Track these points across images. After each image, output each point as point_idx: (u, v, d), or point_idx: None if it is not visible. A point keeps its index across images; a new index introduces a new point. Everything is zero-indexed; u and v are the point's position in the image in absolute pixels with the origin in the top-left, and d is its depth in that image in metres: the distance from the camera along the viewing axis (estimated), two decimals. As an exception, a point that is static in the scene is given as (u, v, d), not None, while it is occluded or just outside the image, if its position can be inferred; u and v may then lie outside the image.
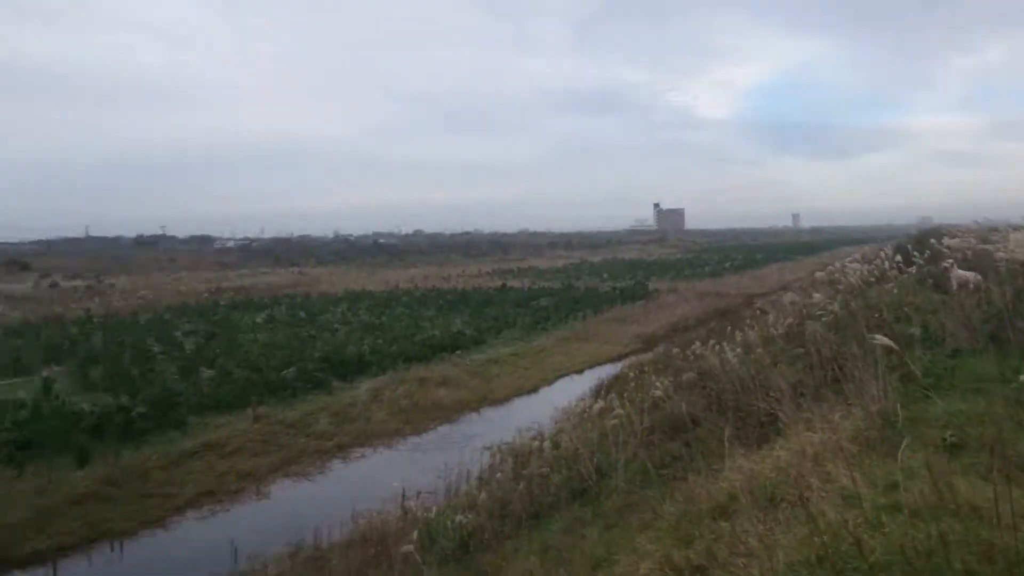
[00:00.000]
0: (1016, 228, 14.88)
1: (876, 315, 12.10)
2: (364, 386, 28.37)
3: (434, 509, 13.37)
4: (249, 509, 18.90)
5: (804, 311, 17.54)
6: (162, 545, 16.88)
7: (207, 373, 28.76)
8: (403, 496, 15.36)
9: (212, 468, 20.40)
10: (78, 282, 75.48)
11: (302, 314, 48.78)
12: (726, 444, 6.73)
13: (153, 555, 16.45)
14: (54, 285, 70.79)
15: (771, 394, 8.44)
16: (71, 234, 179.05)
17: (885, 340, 5.23)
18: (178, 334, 40.10)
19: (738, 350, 14.87)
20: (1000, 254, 12.57)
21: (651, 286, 63.79)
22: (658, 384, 14.63)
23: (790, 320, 17.51)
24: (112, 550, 16.59)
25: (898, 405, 6.32)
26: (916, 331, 10.48)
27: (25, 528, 16.38)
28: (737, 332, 20.93)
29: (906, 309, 12.74)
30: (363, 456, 23.05)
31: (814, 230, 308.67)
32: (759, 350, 14.64)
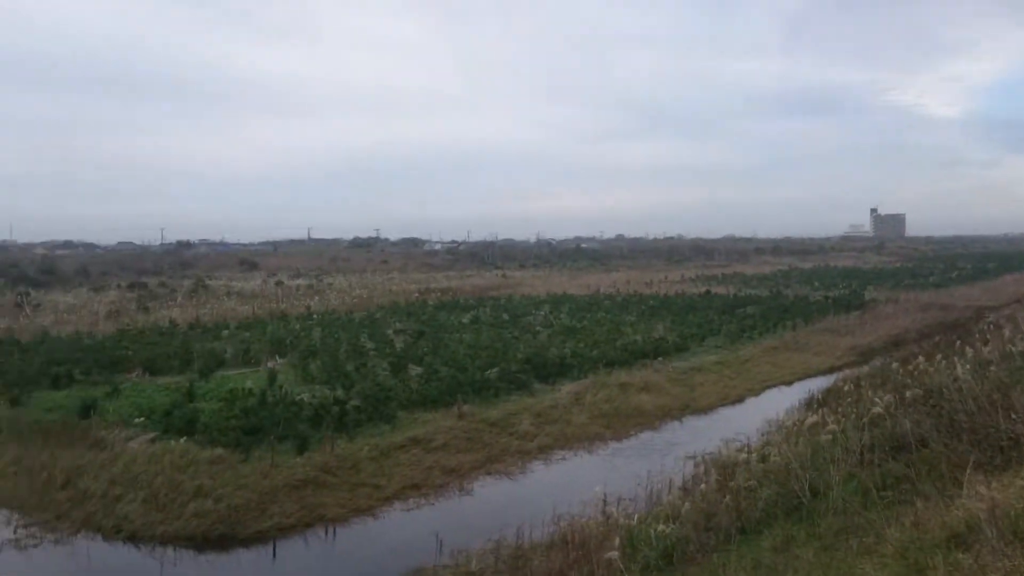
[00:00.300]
0: None
1: None
2: (565, 389, 28.55)
3: (636, 517, 13.18)
4: (452, 504, 19.46)
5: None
6: (371, 533, 17.69)
7: (415, 370, 29.94)
8: (604, 501, 15.28)
9: (419, 462, 21.16)
10: (300, 281, 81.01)
11: (505, 316, 49.82)
12: (965, 469, 6.15)
13: (363, 542, 17.27)
14: (279, 283, 76.25)
15: (1014, 416, 7.68)
16: (295, 236, 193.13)
17: None
18: (389, 332, 42.02)
19: (968, 367, 13.74)
20: None
21: (867, 296, 60.45)
22: (877, 400, 13.75)
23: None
24: (326, 534, 17.57)
25: None
26: None
27: (249, 509, 17.64)
28: (967, 347, 19.41)
29: None
30: (563, 458, 23.18)
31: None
32: (994, 368, 13.47)
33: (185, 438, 20.67)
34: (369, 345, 37.52)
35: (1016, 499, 5.34)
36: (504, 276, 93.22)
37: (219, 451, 19.85)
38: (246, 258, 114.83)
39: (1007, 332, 21.12)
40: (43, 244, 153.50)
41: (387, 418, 23.56)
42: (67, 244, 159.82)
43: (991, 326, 29.56)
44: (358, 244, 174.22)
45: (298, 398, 24.76)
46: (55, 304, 57.80)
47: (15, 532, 17.37)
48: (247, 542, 16.98)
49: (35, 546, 16.86)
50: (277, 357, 33.66)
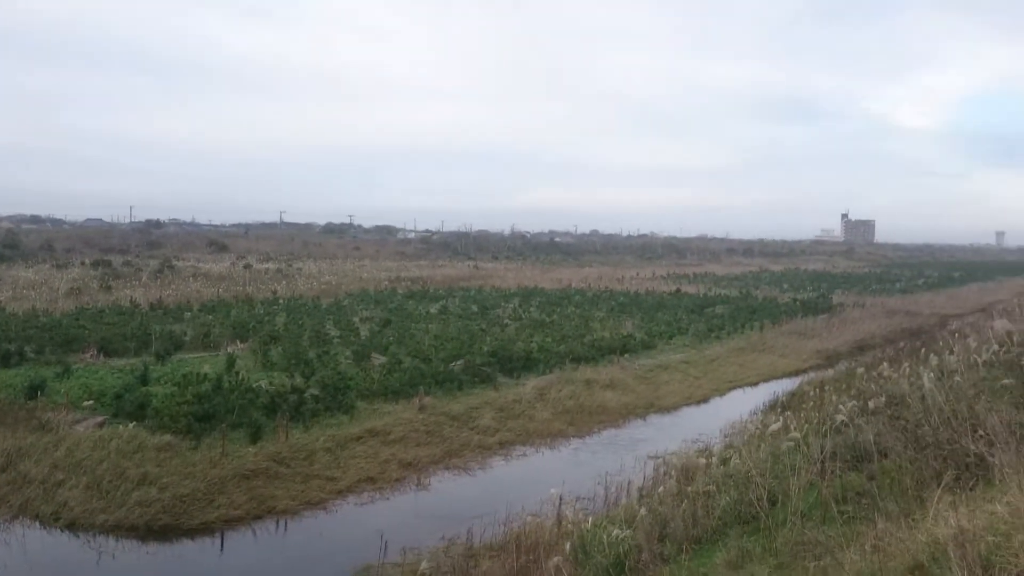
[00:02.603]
0: None
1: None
2: (530, 384, 28.17)
3: (590, 520, 12.82)
4: (408, 499, 19.01)
5: (1014, 338, 15.80)
6: (322, 527, 17.18)
7: (379, 360, 29.43)
8: (559, 502, 14.89)
9: (375, 454, 20.66)
10: (270, 265, 79.95)
11: (474, 307, 49.38)
12: (929, 486, 5.81)
13: (312, 536, 16.76)
14: (248, 266, 75.18)
15: (980, 433, 7.36)
16: (267, 219, 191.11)
17: None
18: (355, 320, 41.45)
19: (932, 376, 13.49)
20: None
21: (835, 300, 60.70)
22: (841, 407, 13.47)
23: (997, 347, 15.79)
24: (276, 527, 17.04)
25: None
26: None
27: (196, 499, 17.05)
28: (932, 355, 19.24)
29: None
30: (524, 455, 22.80)
31: (1021, 249, 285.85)
32: (958, 378, 13.24)
33: (135, 423, 20.02)
34: (334, 332, 36.95)
35: (986, 529, 4.99)
36: (476, 267, 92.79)
37: (168, 438, 19.21)
38: (216, 240, 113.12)
39: (971, 341, 21.00)
40: (9, 218, 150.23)
41: (346, 408, 23.02)
42: (34, 219, 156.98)
43: (955, 334, 29.56)
44: (331, 230, 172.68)
45: (255, 385, 24.15)
46: (15, 280, 56.41)
47: (-52, 516, 16.68)
48: (192, 533, 16.40)
49: (-32, 531, 16.19)
50: (238, 342, 32.99)
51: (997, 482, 6.22)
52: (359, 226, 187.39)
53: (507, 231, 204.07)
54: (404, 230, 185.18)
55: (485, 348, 32.27)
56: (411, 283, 66.92)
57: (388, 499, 18.84)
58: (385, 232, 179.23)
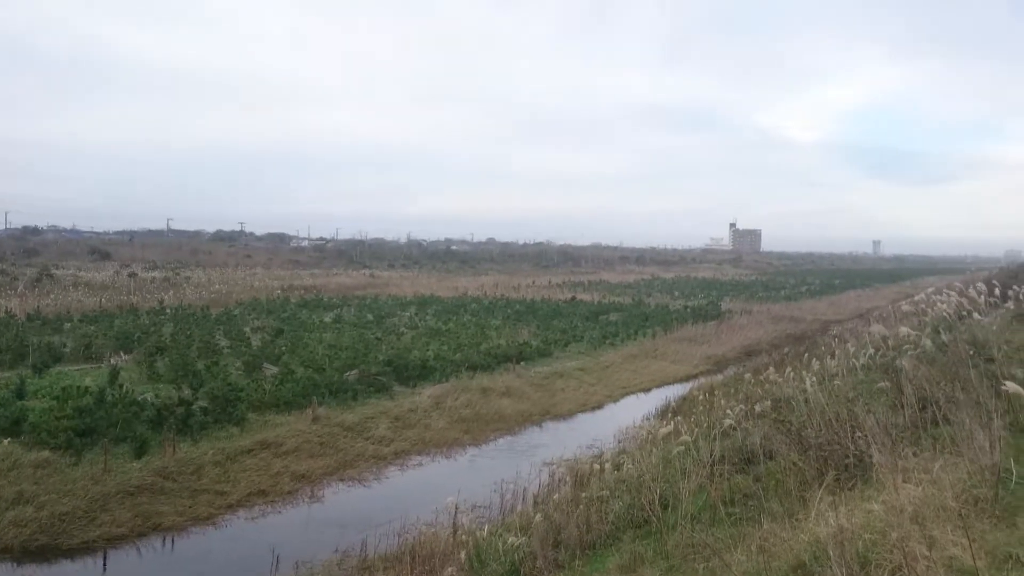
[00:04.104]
0: None
1: (972, 352, 11.17)
2: (426, 392, 27.99)
3: (486, 528, 12.80)
4: (301, 512, 18.58)
5: (889, 342, 16.55)
6: (210, 543, 16.61)
7: (271, 370, 28.76)
8: (455, 511, 14.82)
9: (267, 467, 20.15)
10: (156, 273, 77.29)
11: (369, 316, 48.84)
12: (812, 486, 6.01)
13: (200, 553, 16.18)
14: (132, 275, 72.50)
15: (859, 434, 7.67)
16: (153, 226, 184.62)
17: (1015, 386, 4.51)
18: (246, 329, 40.43)
19: (814, 379, 14.01)
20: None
21: (724, 306, 62.44)
22: (729, 411, 13.87)
23: (873, 351, 16.51)
24: (162, 545, 16.41)
25: (1012, 460, 5.55)
26: (1019, 372, 9.56)
27: (76, 517, 16.24)
28: (815, 360, 20.00)
29: (1005, 347, 11.77)
30: (420, 464, 22.63)
31: (896, 258, 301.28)
32: (837, 381, 13.79)
33: (10, 439, 18.92)
34: (223, 343, 35.92)
35: (863, 527, 5.19)
36: (372, 276, 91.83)
37: (47, 454, 18.20)
38: (98, 247, 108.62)
39: (851, 346, 21.90)
40: None
41: (236, 420, 22.37)
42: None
43: (836, 339, 30.77)
44: (221, 238, 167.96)
45: (140, 397, 23.20)
46: None
47: None
48: (72, 553, 15.59)
49: None
50: (122, 353, 31.66)
51: (875, 481, 6.49)
52: (251, 234, 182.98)
53: (403, 239, 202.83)
54: (297, 238, 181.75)
55: (381, 357, 31.91)
56: (305, 292, 65.70)
57: (280, 512, 18.37)
58: (278, 240, 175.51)
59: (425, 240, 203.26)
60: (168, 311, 48.61)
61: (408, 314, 50.31)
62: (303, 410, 23.69)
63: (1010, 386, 4.65)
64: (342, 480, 20.66)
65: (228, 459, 19.98)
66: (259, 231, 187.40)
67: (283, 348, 34.08)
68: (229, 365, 29.78)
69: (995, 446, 5.87)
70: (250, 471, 19.75)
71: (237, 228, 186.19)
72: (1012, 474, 5.49)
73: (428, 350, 34.88)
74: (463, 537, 12.76)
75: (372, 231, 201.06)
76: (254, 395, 24.65)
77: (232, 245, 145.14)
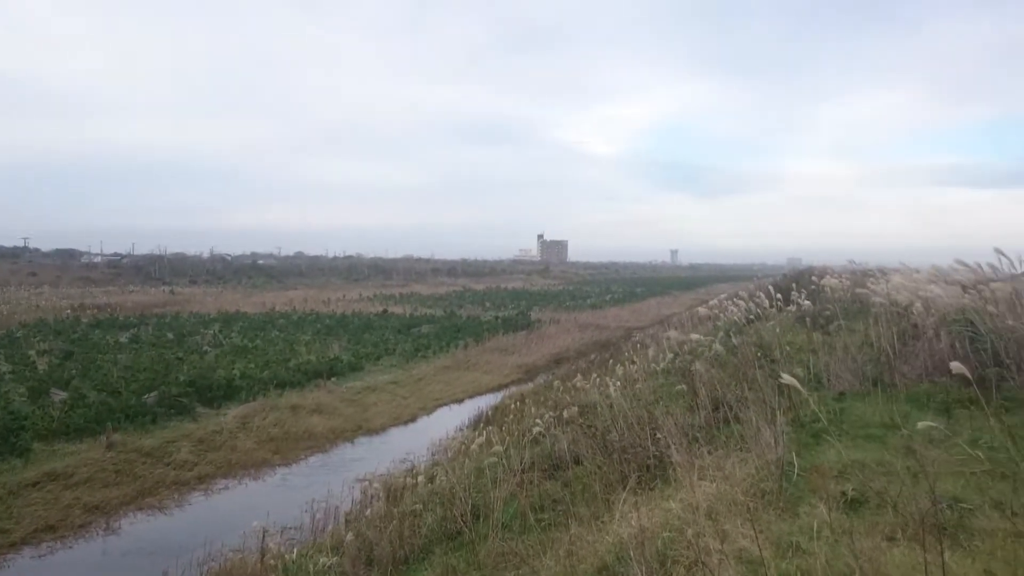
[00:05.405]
0: (894, 271, 15.12)
1: (759, 353, 11.95)
2: (232, 412, 26.87)
3: (296, 551, 12.41)
4: (95, 546, 17.31)
5: (685, 347, 17.45)
6: (-11, 588, 15.26)
7: (59, 395, 26.72)
8: (263, 534, 14.27)
9: (56, 500, 18.67)
10: (-77, 293, 70.19)
11: (170, 335, 46.38)
12: (616, 489, 6.20)
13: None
14: None
15: (659, 435, 8.02)
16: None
17: (791, 379, 4.84)
18: (31, 353, 37.41)
19: (618, 384, 14.56)
20: (878, 298, 12.61)
21: (533, 316, 63.71)
22: (538, 419, 14.14)
23: (672, 356, 17.37)
24: (-69, 593, 14.88)
25: (794, 454, 5.95)
26: (800, 371, 10.30)
27: None
28: (619, 365, 20.80)
29: (787, 348, 12.67)
30: (227, 488, 21.68)
31: (691, 266, 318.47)
32: (639, 385, 14.37)
33: None
34: (4, 367, 33.04)
35: (662, 525, 5.40)
36: (173, 292, 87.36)
37: None
38: None
39: (651, 351, 22.94)
40: None
41: (20, 451, 20.60)
42: None
43: (638, 345, 32.12)
44: (1, 254, 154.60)
45: (-98, 432, 20.95)
46: None
47: None
48: None
49: None
50: None
51: (673, 480, 6.79)
52: (36, 249, 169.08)
53: (206, 253, 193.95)
54: (89, 253, 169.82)
55: (182, 378, 30.36)
56: (98, 311, 61.56)
57: (71, 548, 17.06)
58: (67, 256, 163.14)
59: (230, 255, 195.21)
60: (-63, 335, 44.22)
61: (212, 332, 48.17)
62: (96, 437, 22.18)
63: (786, 378, 5.00)
64: (141, 509, 19.48)
65: (10, 494, 18.40)
66: (45, 247, 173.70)
67: (73, 371, 31.77)
68: (11, 392, 27.42)
69: (779, 441, 6.29)
70: (36, 505, 18.26)
71: (20, 244, 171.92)
72: (795, 467, 5.89)
73: (234, 369, 33.53)
74: (271, 561, 12.32)
75: (173, 246, 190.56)
76: (40, 423, 22.84)
77: (15, 262, 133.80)
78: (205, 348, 40.56)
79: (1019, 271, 9.66)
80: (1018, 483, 5.31)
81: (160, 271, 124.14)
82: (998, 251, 9.55)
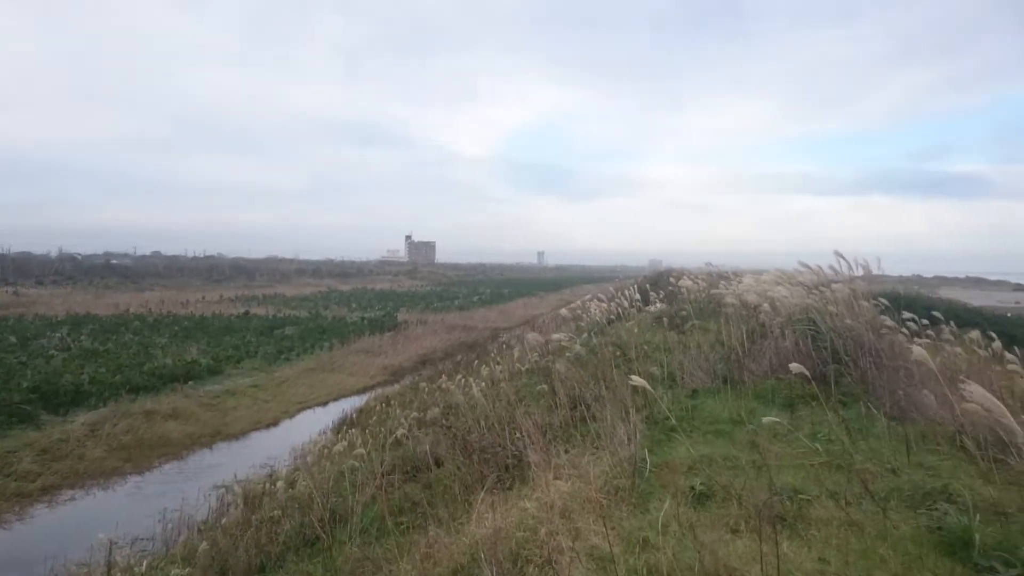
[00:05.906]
0: (746, 273, 15.77)
1: (618, 353, 12.22)
2: (80, 420, 25.47)
3: (145, 563, 11.87)
4: (-80, 567, 16.11)
5: (548, 347, 17.66)
6: None
7: None
8: (110, 547, 13.57)
9: None
10: None
11: (12, 339, 43.57)
12: (475, 490, 6.19)
13: None
14: None
15: (518, 435, 8.06)
16: None
17: (640, 380, 4.94)
18: None
19: (483, 384, 14.61)
20: (730, 299, 13.12)
21: (400, 317, 63.25)
22: (402, 420, 14.03)
23: (534, 356, 17.55)
24: None
25: (647, 450, 6.09)
26: (655, 370, 10.59)
27: None
28: (484, 366, 20.88)
29: (645, 348, 13.00)
30: (73, 499, 20.55)
31: (558, 267, 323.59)
32: (503, 385, 14.45)
33: None
34: None
35: (517, 525, 5.42)
36: (16, 293, 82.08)
37: None
38: None
39: (516, 351, 23.13)
40: None
41: None
42: None
43: (504, 345, 32.34)
44: None
45: None
46: None
47: None
48: None
49: None
50: None
51: (531, 480, 6.84)
52: None
53: (55, 253, 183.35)
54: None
55: (25, 384, 28.58)
56: (-72, 315, 57.34)
57: None
58: None
59: (81, 254, 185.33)
60: None
61: (59, 335, 45.55)
62: (-76, 450, 20.62)
63: (635, 380, 5.13)
64: (-26, 525, 18.21)
65: None
66: None
67: (-102, 380, 29.41)
68: None
69: (632, 438, 6.43)
70: None
71: None
72: (647, 463, 6.03)
73: (83, 374, 31.82)
74: (119, 575, 11.74)
75: (16, 244, 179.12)
76: None
77: None
78: (51, 352, 38.33)
79: (857, 273, 10.24)
80: (852, 474, 5.61)
81: (2, 271, 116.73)
82: (838, 254, 10.10)
